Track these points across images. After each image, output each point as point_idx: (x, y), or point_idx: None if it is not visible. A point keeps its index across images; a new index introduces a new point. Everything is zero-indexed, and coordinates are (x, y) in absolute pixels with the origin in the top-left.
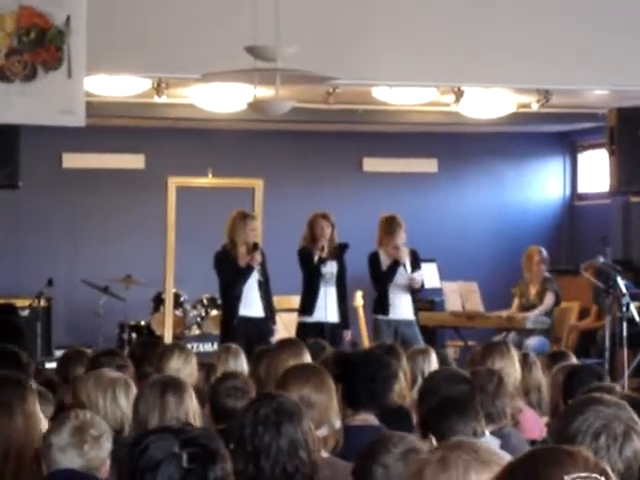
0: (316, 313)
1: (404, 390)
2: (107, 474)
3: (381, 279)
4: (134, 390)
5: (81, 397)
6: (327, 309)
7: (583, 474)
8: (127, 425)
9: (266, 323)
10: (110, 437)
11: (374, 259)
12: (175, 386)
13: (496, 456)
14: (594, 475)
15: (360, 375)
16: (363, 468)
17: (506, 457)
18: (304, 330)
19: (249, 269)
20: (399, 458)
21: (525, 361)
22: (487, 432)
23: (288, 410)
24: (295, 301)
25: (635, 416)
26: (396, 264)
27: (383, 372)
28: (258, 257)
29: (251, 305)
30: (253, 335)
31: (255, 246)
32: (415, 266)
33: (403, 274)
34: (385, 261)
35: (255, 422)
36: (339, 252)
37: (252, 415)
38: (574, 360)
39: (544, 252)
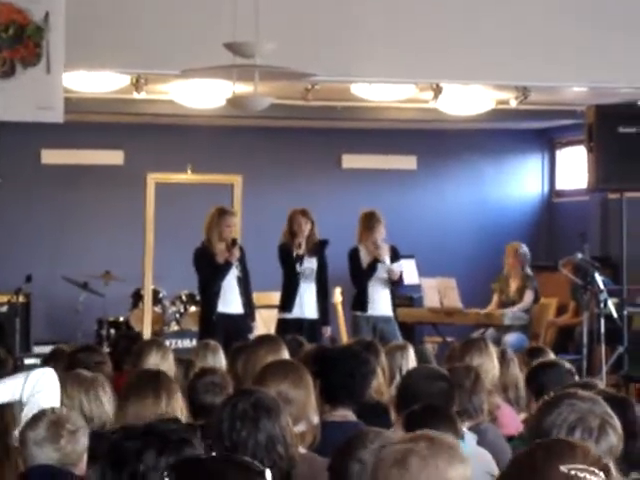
0: (295, 309)
1: (382, 386)
2: (84, 470)
3: (360, 276)
4: (109, 390)
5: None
6: (306, 305)
7: (580, 466)
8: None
9: (245, 320)
10: (86, 432)
11: (354, 255)
12: (166, 381)
13: (464, 454)
14: (592, 468)
15: (338, 371)
16: (339, 464)
17: (483, 453)
18: (283, 326)
19: (227, 265)
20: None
21: (503, 358)
22: (464, 428)
23: (266, 405)
24: (275, 297)
25: (610, 410)
26: (376, 262)
27: (361, 368)
28: (236, 253)
29: (230, 302)
30: (232, 331)
31: (234, 242)
32: (394, 262)
33: (382, 268)
34: (365, 257)
35: (233, 417)
36: (319, 248)
37: (230, 410)
38: (551, 356)
39: (525, 248)
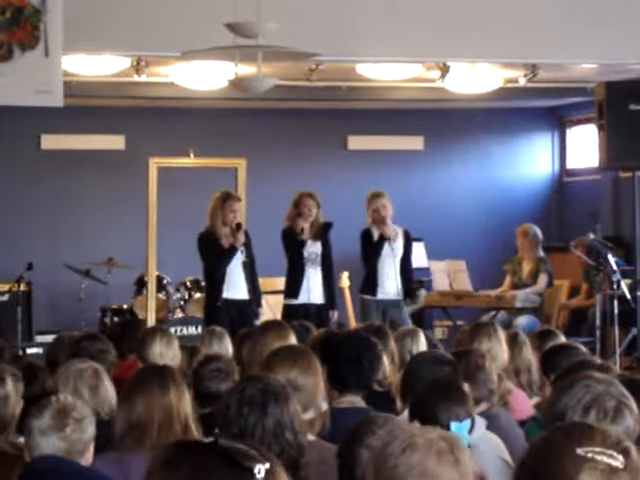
0: (301, 295)
1: (391, 372)
2: (91, 459)
3: (369, 254)
4: (103, 379)
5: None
6: (312, 291)
7: (598, 449)
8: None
9: (250, 305)
10: (93, 421)
11: (365, 235)
12: (172, 374)
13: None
14: (610, 451)
15: (345, 357)
16: (348, 450)
17: (492, 437)
18: (290, 312)
19: (232, 250)
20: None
21: (515, 341)
22: (475, 413)
23: (274, 391)
24: (280, 283)
25: (626, 392)
26: (383, 239)
27: (369, 353)
28: (241, 237)
29: (235, 287)
30: (237, 318)
31: (238, 226)
32: (407, 247)
33: (390, 252)
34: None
35: (241, 402)
36: (323, 232)
37: (238, 395)
38: (562, 339)
39: (536, 229)
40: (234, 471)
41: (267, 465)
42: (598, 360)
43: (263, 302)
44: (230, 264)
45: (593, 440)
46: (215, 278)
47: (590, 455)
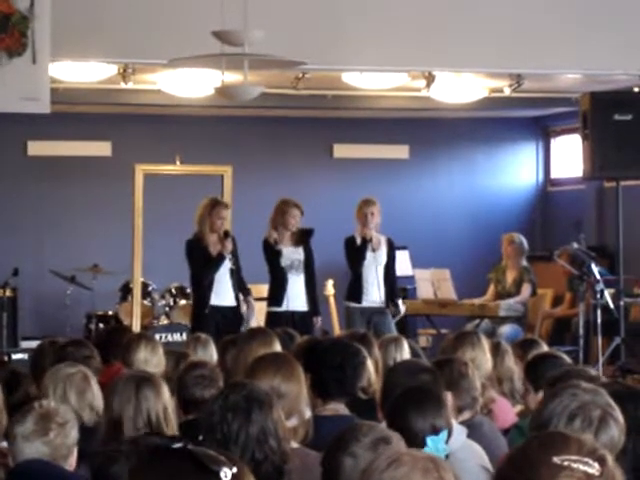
0: (284, 303)
1: (375, 380)
2: (74, 464)
3: (353, 257)
4: (91, 385)
5: (42, 390)
6: (296, 298)
7: (574, 457)
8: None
9: (237, 312)
10: (76, 425)
11: (349, 243)
12: (151, 381)
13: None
14: (586, 459)
15: (328, 365)
16: (332, 458)
17: (472, 445)
18: (273, 320)
19: (220, 257)
20: (368, 447)
21: (497, 350)
22: (455, 422)
23: (258, 398)
24: (265, 290)
25: (612, 402)
26: (365, 242)
27: (351, 360)
28: (229, 245)
29: (222, 294)
30: (222, 324)
31: (226, 234)
32: (390, 255)
33: (374, 260)
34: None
35: (224, 409)
36: (304, 238)
37: (222, 402)
38: (545, 348)
39: (521, 238)
40: (201, 475)
41: (234, 469)
42: (590, 370)
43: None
44: (218, 271)
45: (569, 448)
46: (203, 285)
47: (566, 463)
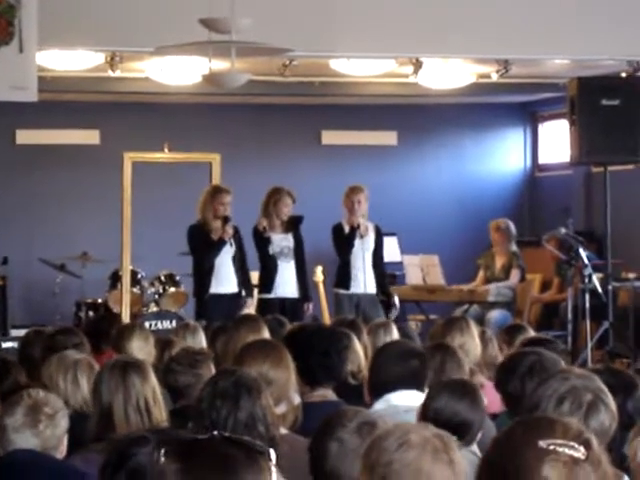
0: (275, 289)
1: (364, 366)
2: (65, 452)
3: (341, 245)
4: (96, 371)
5: (43, 379)
6: (286, 285)
7: (559, 441)
8: (86, 407)
9: (238, 299)
10: (66, 415)
11: (337, 230)
12: (137, 366)
13: None
14: (571, 443)
15: (313, 351)
16: (319, 443)
17: None
18: (264, 307)
19: (221, 243)
20: (354, 432)
21: (482, 338)
22: None
23: (247, 384)
24: (256, 277)
25: (604, 388)
26: (353, 230)
27: (336, 346)
28: (229, 230)
29: (224, 281)
30: (225, 311)
31: (226, 220)
32: (378, 242)
33: (361, 247)
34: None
35: (213, 395)
36: (294, 225)
37: (210, 388)
38: (531, 333)
39: (509, 224)
40: (252, 459)
41: (273, 450)
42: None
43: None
44: (219, 257)
45: (554, 432)
46: (203, 270)
47: (552, 447)
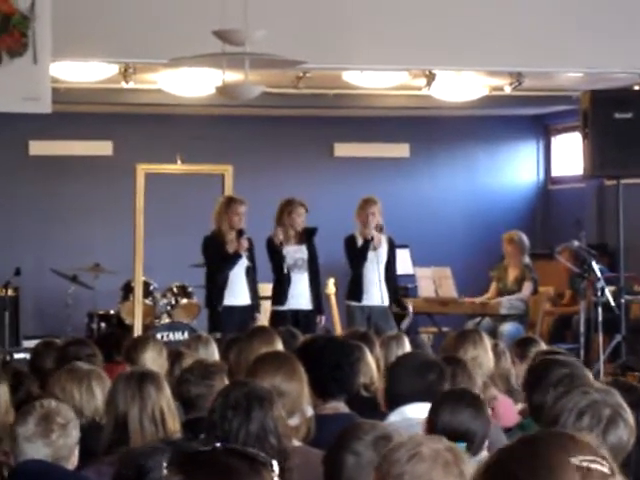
0: (288, 301)
1: (376, 378)
2: (76, 463)
3: (355, 258)
4: (107, 382)
5: (55, 391)
6: (299, 296)
7: (589, 457)
8: (99, 417)
9: (251, 311)
10: (77, 425)
11: (349, 241)
12: (153, 377)
13: None
14: (598, 459)
15: (325, 364)
16: (334, 456)
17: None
18: (277, 318)
19: (236, 256)
20: (370, 445)
21: (495, 350)
22: None
23: (259, 395)
24: (268, 289)
25: (623, 403)
26: (367, 242)
27: (348, 358)
28: (244, 244)
29: (237, 294)
30: (238, 323)
31: (240, 233)
32: (391, 254)
33: (375, 259)
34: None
35: (225, 406)
36: (307, 237)
37: (222, 400)
38: (543, 346)
39: (522, 236)
40: (255, 470)
41: (275, 462)
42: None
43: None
44: (233, 270)
45: (581, 450)
46: (217, 282)
47: (585, 464)
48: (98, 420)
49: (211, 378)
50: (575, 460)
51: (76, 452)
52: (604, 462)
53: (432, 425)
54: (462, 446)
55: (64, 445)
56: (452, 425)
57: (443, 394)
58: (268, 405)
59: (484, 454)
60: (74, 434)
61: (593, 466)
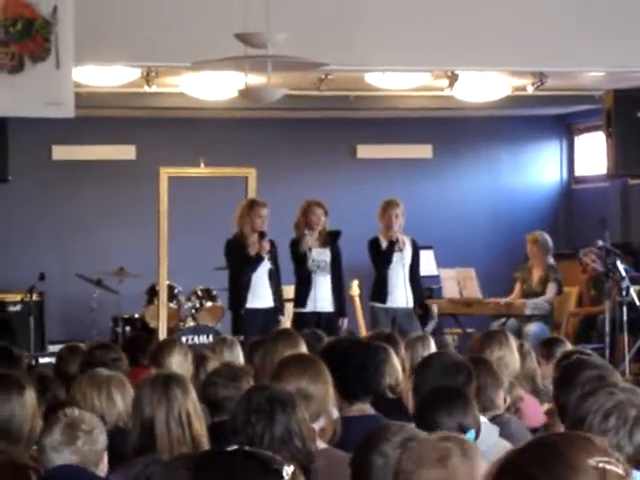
0: (310, 303)
1: (401, 379)
2: (106, 470)
3: (380, 260)
4: (128, 387)
5: (76, 397)
6: (322, 299)
7: (605, 458)
8: (122, 423)
9: (274, 313)
10: (104, 431)
11: (373, 244)
12: (179, 380)
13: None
14: (613, 460)
15: (349, 366)
16: (362, 458)
17: (505, 445)
18: (300, 321)
19: (259, 259)
20: (398, 447)
21: (520, 351)
22: (486, 419)
23: (281, 399)
24: (291, 291)
25: None
26: (392, 244)
27: (373, 359)
28: (266, 246)
29: (260, 296)
30: (261, 326)
31: (262, 235)
32: (415, 256)
33: (399, 261)
34: (384, 245)
35: (248, 411)
36: (331, 239)
37: (245, 404)
38: (569, 346)
39: (546, 237)
40: (266, 473)
41: (291, 467)
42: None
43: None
44: (256, 272)
45: (599, 452)
46: (240, 284)
47: (601, 465)
48: (122, 426)
49: (238, 380)
50: (592, 461)
51: (105, 459)
52: (619, 464)
53: (421, 422)
54: (469, 437)
55: (91, 451)
56: (441, 421)
57: (429, 392)
58: (291, 408)
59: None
60: (101, 440)
61: (609, 467)
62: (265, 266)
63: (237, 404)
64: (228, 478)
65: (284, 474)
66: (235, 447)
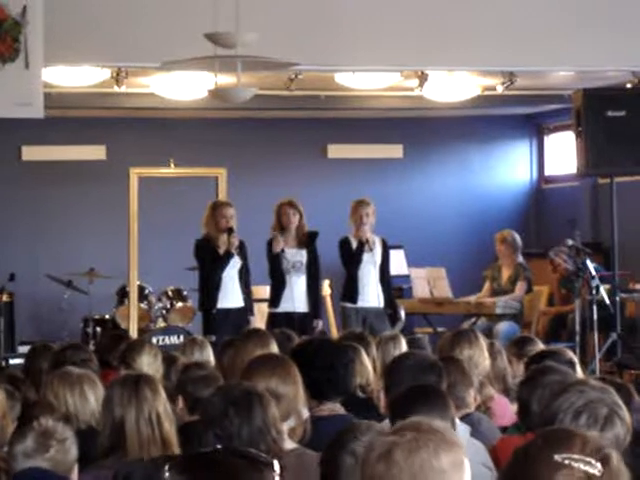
0: (285, 303)
1: (372, 379)
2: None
3: (350, 260)
4: (100, 385)
5: (49, 397)
6: (296, 299)
7: (575, 455)
8: (95, 421)
9: (245, 313)
10: (75, 442)
11: (343, 243)
12: (148, 380)
13: (456, 437)
14: (588, 459)
15: (318, 366)
16: (331, 457)
17: (476, 444)
18: (273, 321)
19: (228, 255)
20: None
21: (491, 350)
22: (456, 418)
23: (257, 392)
24: (263, 291)
25: (620, 401)
26: (362, 244)
27: (341, 358)
28: (235, 241)
29: (230, 295)
30: (233, 326)
31: (229, 231)
32: (385, 255)
33: (369, 260)
34: (354, 245)
35: (225, 403)
36: (308, 240)
37: (222, 397)
38: (540, 345)
39: (515, 235)
40: (257, 470)
41: (277, 462)
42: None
43: (255, 310)
44: (226, 272)
45: (572, 446)
46: (211, 284)
47: (567, 462)
48: (94, 425)
49: (211, 379)
50: (558, 457)
51: (75, 469)
52: (594, 462)
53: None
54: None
55: (64, 460)
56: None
57: (403, 391)
58: (267, 402)
59: (464, 438)
60: (73, 451)
61: (576, 465)
62: (235, 265)
63: (211, 398)
64: (227, 478)
65: (275, 469)
66: (218, 447)
